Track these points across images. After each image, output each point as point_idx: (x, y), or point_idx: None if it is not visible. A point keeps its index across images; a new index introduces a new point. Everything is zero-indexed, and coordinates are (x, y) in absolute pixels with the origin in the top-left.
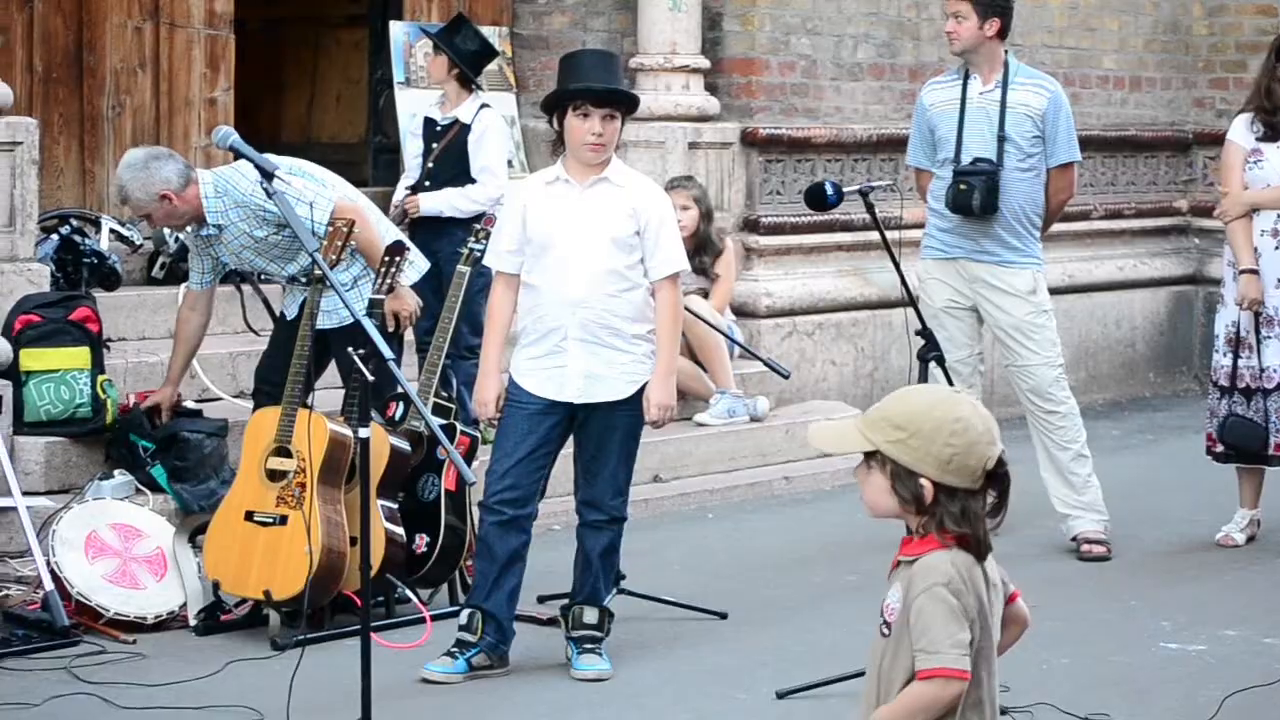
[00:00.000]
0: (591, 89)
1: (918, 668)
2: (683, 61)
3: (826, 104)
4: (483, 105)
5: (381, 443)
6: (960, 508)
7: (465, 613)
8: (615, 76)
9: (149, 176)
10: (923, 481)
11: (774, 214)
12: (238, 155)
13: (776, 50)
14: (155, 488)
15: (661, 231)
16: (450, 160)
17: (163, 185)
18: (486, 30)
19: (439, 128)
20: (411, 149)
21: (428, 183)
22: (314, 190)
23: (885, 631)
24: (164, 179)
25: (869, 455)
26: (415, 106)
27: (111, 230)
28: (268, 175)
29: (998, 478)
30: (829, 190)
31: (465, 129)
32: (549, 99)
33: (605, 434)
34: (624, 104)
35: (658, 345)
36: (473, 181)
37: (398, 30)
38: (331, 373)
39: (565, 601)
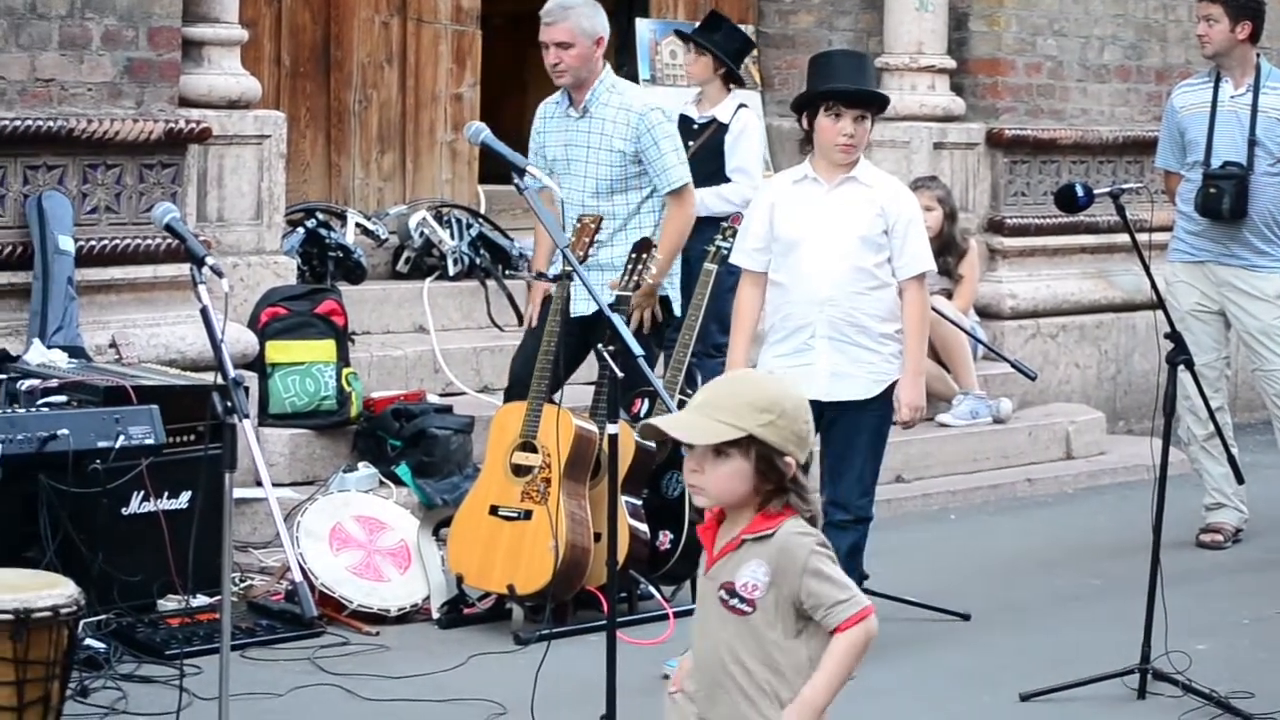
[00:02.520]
0: (844, 90)
1: (845, 615)
2: (929, 61)
3: (1072, 105)
4: (741, 105)
5: (627, 439)
6: (805, 481)
7: None
8: (867, 77)
9: (599, 18)
10: (788, 459)
11: (1019, 215)
12: (489, 151)
13: (1023, 51)
14: (399, 481)
15: (909, 231)
16: (706, 158)
17: (604, 31)
18: None
19: (695, 125)
20: None
21: None
22: (678, 143)
23: (746, 609)
24: (605, 27)
25: (724, 444)
26: (661, 104)
27: (357, 224)
28: (519, 171)
29: None
30: (1079, 192)
31: (723, 128)
32: (800, 98)
33: (852, 433)
34: (875, 105)
35: (905, 345)
36: (726, 180)
37: (643, 27)
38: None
39: None
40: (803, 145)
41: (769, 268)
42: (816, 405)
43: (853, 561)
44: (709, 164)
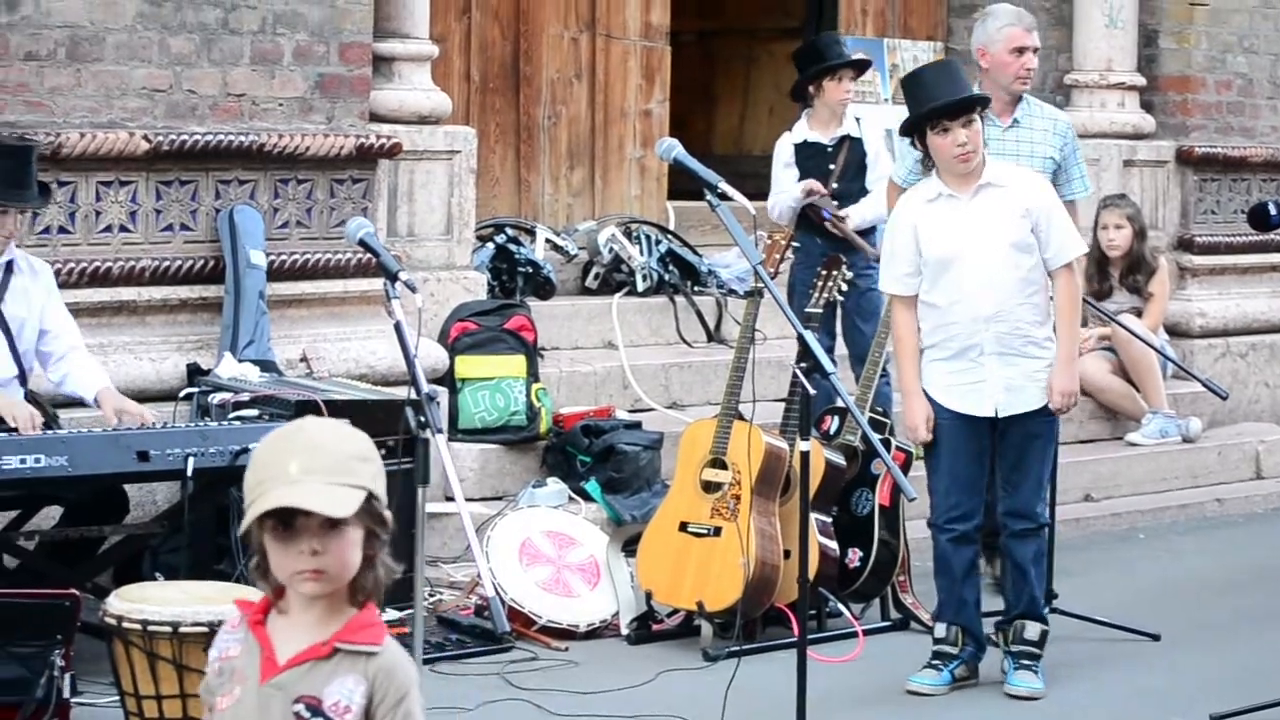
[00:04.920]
0: (946, 104)
1: None
2: (1118, 78)
3: (1263, 123)
4: (856, 117)
5: (817, 456)
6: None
7: (940, 626)
8: (959, 83)
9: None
10: (388, 513)
11: (1209, 233)
12: (681, 167)
13: (1213, 68)
14: (588, 496)
15: (1053, 220)
16: (854, 175)
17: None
18: (923, 45)
19: (829, 148)
20: (786, 178)
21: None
22: None
23: None
24: (1008, 38)
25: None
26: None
27: (546, 240)
28: (711, 188)
29: None
30: (1273, 210)
31: (857, 142)
32: (905, 125)
33: (1026, 443)
34: (979, 105)
35: (1058, 333)
36: (866, 192)
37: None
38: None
39: (999, 618)
40: (925, 164)
41: (920, 289)
42: (992, 418)
43: (1039, 568)
44: (858, 180)
